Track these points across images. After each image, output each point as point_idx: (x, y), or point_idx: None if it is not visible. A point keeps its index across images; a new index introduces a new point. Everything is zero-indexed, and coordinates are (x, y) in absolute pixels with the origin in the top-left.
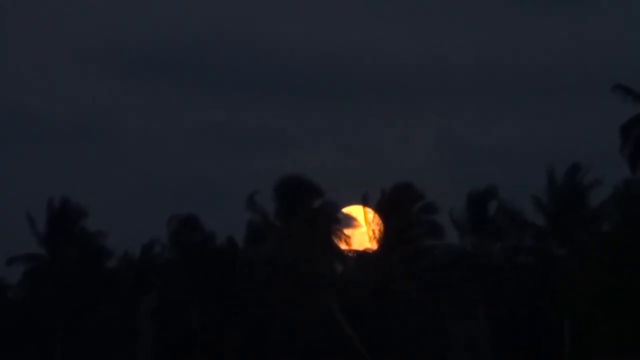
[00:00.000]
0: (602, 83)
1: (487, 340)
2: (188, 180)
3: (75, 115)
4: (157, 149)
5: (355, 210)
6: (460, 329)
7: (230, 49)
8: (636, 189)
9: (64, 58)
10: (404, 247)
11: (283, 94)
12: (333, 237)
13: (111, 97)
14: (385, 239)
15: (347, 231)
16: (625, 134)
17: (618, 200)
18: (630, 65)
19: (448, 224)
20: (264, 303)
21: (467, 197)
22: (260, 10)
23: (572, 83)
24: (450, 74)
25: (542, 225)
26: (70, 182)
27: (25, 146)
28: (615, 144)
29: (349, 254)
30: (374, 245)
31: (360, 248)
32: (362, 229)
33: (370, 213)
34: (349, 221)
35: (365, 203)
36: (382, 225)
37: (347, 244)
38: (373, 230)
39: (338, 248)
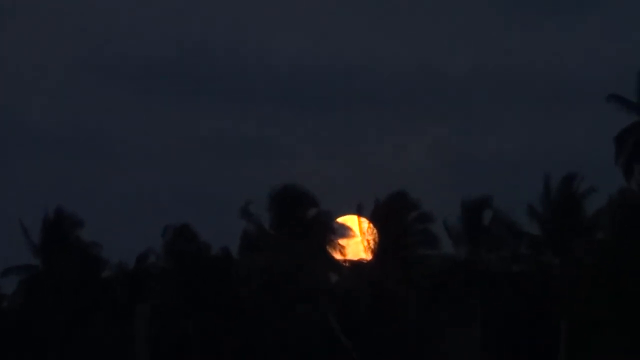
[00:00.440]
0: (596, 93)
1: (483, 348)
2: (182, 190)
3: (69, 125)
4: (151, 159)
5: (349, 220)
6: (457, 338)
7: (224, 57)
8: (631, 198)
9: (57, 67)
10: (398, 257)
11: (278, 104)
12: (328, 247)
13: (105, 106)
14: (380, 249)
15: (341, 241)
16: (620, 143)
17: (613, 209)
18: (624, 74)
19: (443, 234)
20: (258, 312)
21: (462, 206)
22: (255, 19)
23: (566, 93)
24: (445, 84)
25: (537, 234)
26: (65, 192)
27: (19, 156)
28: (610, 153)
29: (344, 264)
30: (368, 255)
31: (355, 258)
32: (357, 239)
33: (365, 223)
34: (344, 231)
35: (359, 213)
36: (376, 235)
37: (342, 253)
38: (368, 240)
39: (333, 258)
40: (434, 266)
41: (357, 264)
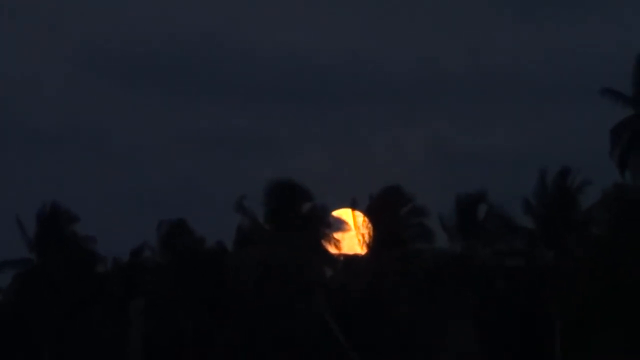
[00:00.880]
0: (591, 87)
1: (478, 342)
2: (177, 184)
3: (64, 120)
4: (146, 154)
5: (345, 214)
6: (451, 332)
7: (218, 53)
8: (626, 192)
9: (53, 63)
10: (393, 251)
11: (272, 99)
12: (323, 241)
13: (100, 102)
14: (375, 243)
15: (337, 235)
16: (615, 137)
17: (608, 203)
18: (618, 68)
19: (438, 228)
20: (253, 307)
21: (457, 200)
22: (250, 15)
23: (561, 87)
24: (441, 79)
25: (532, 228)
26: (61, 187)
27: (16, 153)
28: (605, 147)
29: (339, 258)
30: (363, 249)
31: (350, 252)
32: (352, 233)
33: (360, 217)
34: (339, 225)
35: (354, 207)
36: (371, 229)
37: (337, 247)
38: (362, 234)
39: (328, 252)
40: (429, 260)
41: (352, 258)
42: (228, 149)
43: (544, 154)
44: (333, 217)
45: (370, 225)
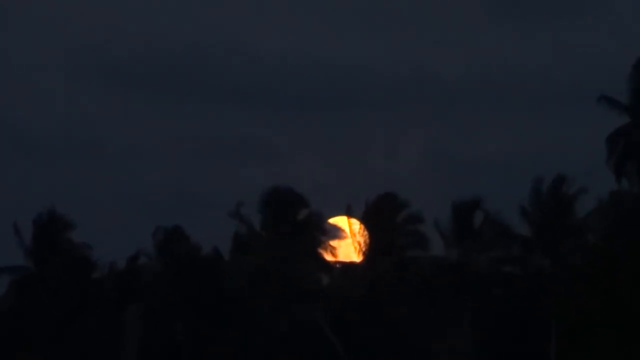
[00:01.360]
0: (587, 94)
1: (474, 350)
2: (173, 191)
3: (60, 126)
4: (142, 161)
5: (341, 221)
6: (448, 339)
7: (215, 58)
8: (622, 200)
9: (48, 69)
10: (389, 258)
11: (268, 105)
12: (319, 248)
13: (96, 108)
14: (371, 250)
15: (333, 242)
16: (611, 145)
17: (604, 211)
18: (614, 76)
19: (434, 235)
20: (249, 314)
21: (453, 207)
22: (246, 19)
23: (558, 94)
24: (436, 85)
25: (528, 235)
26: (58, 192)
27: (9, 158)
28: (601, 154)
29: (335, 265)
30: (359, 257)
31: (346, 259)
32: (348, 240)
33: (356, 224)
34: (335, 232)
35: (349, 214)
36: (367, 236)
37: (333, 255)
38: (359, 242)
39: (324, 259)
40: (425, 267)
41: (349, 266)
42: (225, 155)
43: (540, 161)
44: (329, 224)
45: (366, 232)
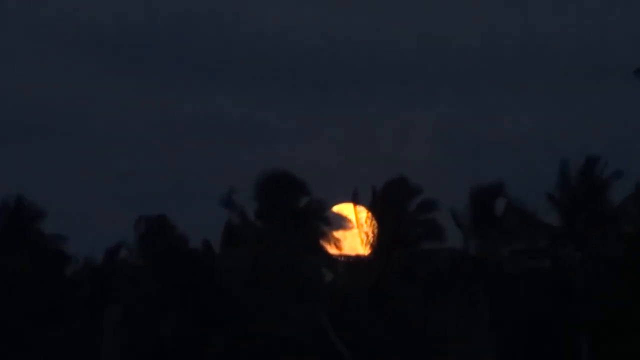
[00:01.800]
0: (624, 67)
1: (493, 354)
2: (159, 177)
3: (34, 107)
4: (124, 144)
5: (346, 210)
6: (464, 343)
7: (208, 33)
8: None
9: (24, 41)
10: (400, 251)
11: (267, 83)
12: (321, 240)
13: (73, 86)
14: (380, 242)
15: (337, 233)
16: None
17: None
18: None
19: (450, 225)
20: (243, 314)
21: (471, 194)
22: None
23: (589, 69)
24: (454, 59)
25: (556, 225)
26: (28, 178)
27: None
28: (638, 134)
29: (339, 259)
30: (366, 249)
31: (352, 252)
32: (354, 231)
33: (363, 212)
34: (340, 222)
35: (356, 202)
36: (375, 227)
37: (337, 247)
38: (366, 233)
39: (327, 252)
40: (441, 262)
41: (354, 259)
42: (217, 137)
43: (568, 142)
44: (333, 213)
45: (374, 222)
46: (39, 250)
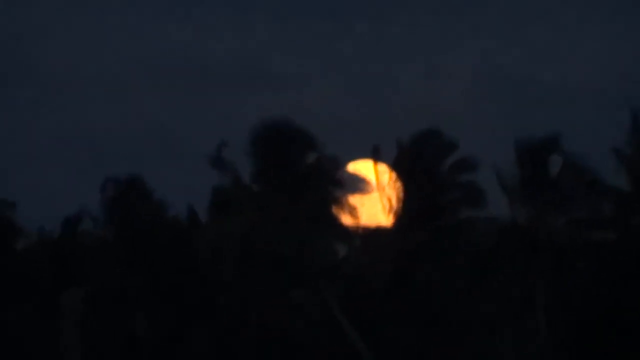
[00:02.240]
0: None
1: (547, 343)
2: (133, 130)
3: None
4: (89, 89)
5: (364, 169)
6: (510, 333)
7: None
8: None
9: None
10: (431, 221)
11: (269, 15)
12: (332, 207)
13: (29, 19)
14: (406, 210)
15: (352, 198)
16: None
17: None
18: None
19: (493, 188)
20: (235, 298)
21: (517, 150)
22: None
23: None
24: None
25: (624, 189)
26: None
27: None
28: None
29: (355, 231)
30: (390, 219)
31: (371, 223)
32: (374, 196)
33: (386, 172)
34: (356, 184)
35: (376, 158)
36: (400, 191)
37: (353, 216)
38: (389, 198)
39: (339, 222)
40: (481, 234)
41: (374, 232)
42: (204, 82)
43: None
44: (347, 173)
45: (399, 184)
46: None
